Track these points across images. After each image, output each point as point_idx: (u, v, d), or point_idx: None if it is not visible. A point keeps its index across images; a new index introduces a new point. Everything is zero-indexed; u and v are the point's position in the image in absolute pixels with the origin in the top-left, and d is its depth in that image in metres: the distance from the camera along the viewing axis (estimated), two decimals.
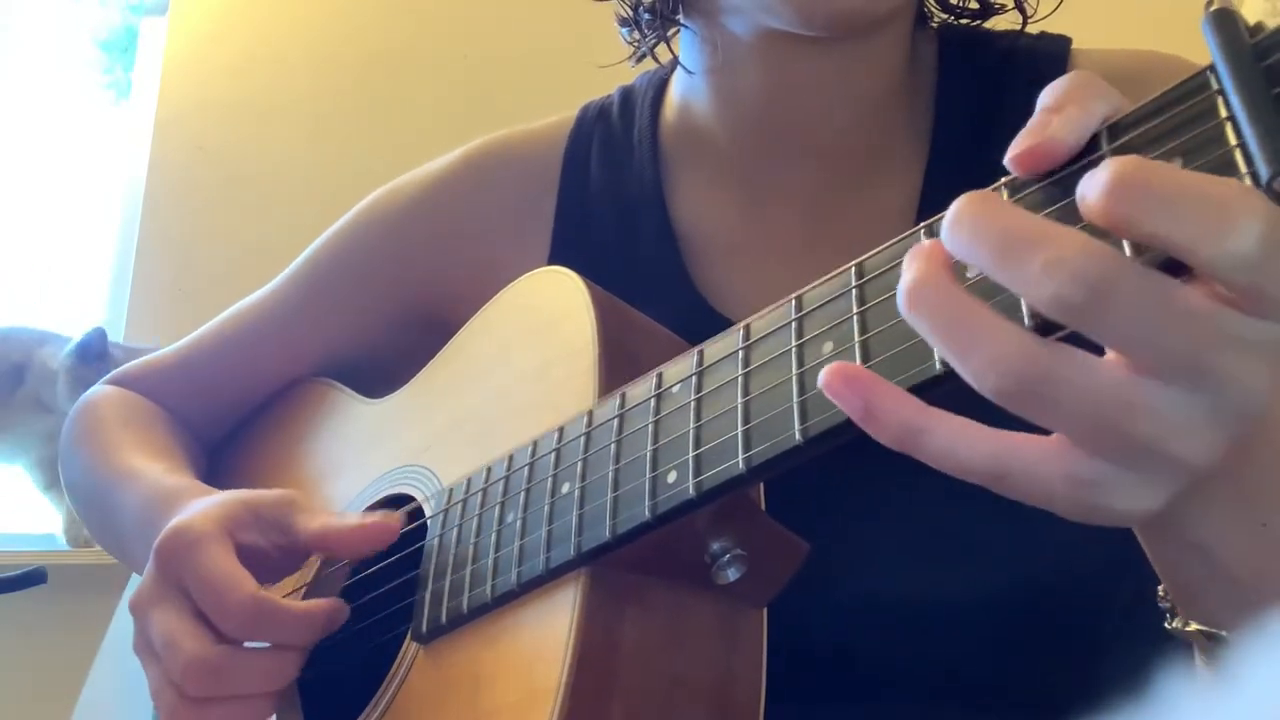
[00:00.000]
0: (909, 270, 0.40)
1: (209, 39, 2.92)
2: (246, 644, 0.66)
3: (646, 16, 0.81)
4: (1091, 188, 0.36)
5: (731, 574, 0.56)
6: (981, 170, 0.42)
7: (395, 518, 0.68)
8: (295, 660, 0.66)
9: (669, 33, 0.81)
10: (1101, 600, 0.69)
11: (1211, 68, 0.35)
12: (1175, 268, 0.36)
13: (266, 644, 0.66)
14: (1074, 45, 0.77)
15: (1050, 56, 0.76)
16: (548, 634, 0.56)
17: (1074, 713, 0.58)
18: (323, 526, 0.68)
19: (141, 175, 2.80)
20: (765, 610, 0.60)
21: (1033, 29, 0.79)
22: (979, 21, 0.81)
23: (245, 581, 0.64)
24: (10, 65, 3.01)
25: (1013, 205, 0.39)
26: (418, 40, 2.88)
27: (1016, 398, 0.38)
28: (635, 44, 0.85)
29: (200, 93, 2.87)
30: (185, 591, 0.66)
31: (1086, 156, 0.39)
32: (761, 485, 0.60)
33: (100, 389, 1.00)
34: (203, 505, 0.70)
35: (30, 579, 1.32)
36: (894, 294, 0.44)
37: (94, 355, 2.13)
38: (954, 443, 0.40)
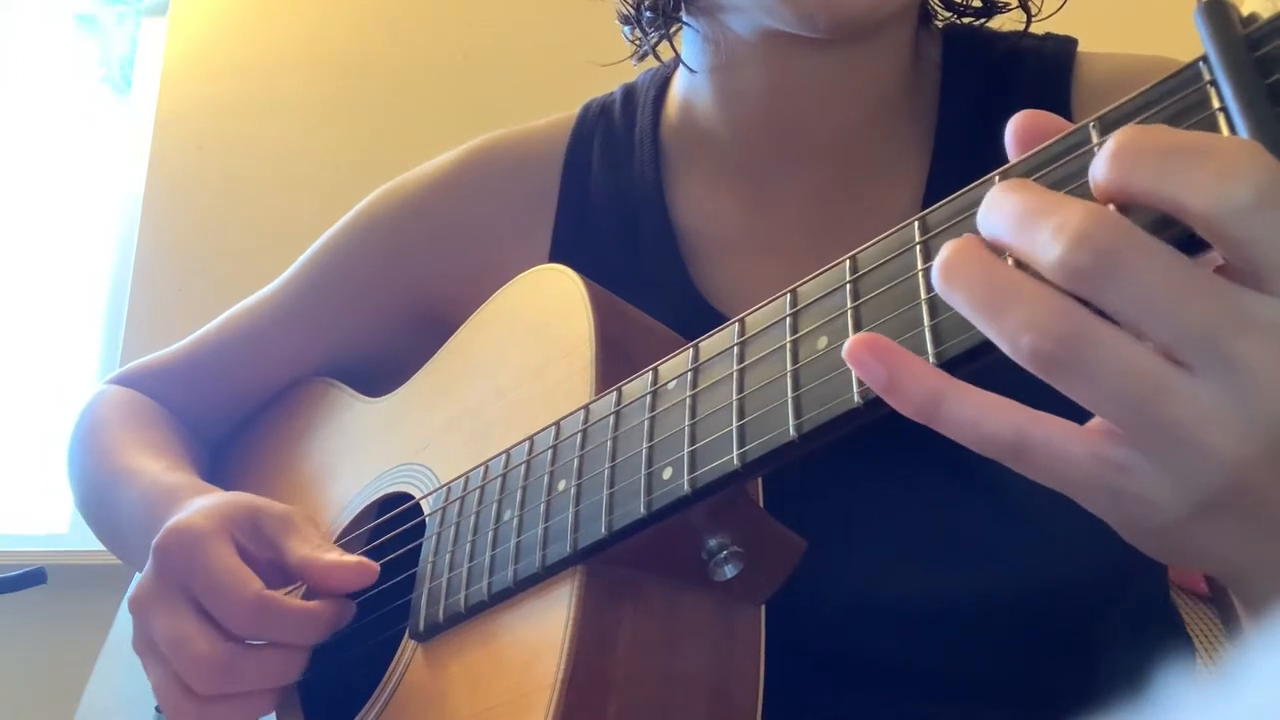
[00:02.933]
0: (943, 250, 0.40)
1: (209, 39, 2.92)
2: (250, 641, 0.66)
3: (648, 14, 0.81)
4: (1097, 161, 0.36)
5: (729, 570, 0.56)
6: (986, 171, 0.42)
7: (371, 565, 0.68)
8: (300, 657, 0.67)
9: (670, 30, 0.81)
10: (1102, 601, 0.69)
11: (1204, 58, 0.35)
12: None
13: (268, 640, 0.66)
14: (1080, 48, 0.77)
15: (1056, 58, 0.75)
16: (544, 631, 0.56)
17: (1074, 713, 0.57)
18: (304, 556, 0.68)
19: (141, 175, 2.80)
20: (763, 607, 0.59)
21: (1039, 28, 0.79)
22: (983, 21, 0.81)
23: (251, 580, 0.65)
24: (9, 66, 3.01)
25: (1033, 184, 0.39)
26: (417, 40, 2.88)
27: (1054, 362, 0.37)
28: (636, 42, 0.84)
29: (200, 93, 2.87)
30: (187, 590, 0.66)
31: (1076, 151, 0.39)
32: (759, 481, 0.60)
33: (104, 388, 1.00)
34: (204, 503, 0.70)
35: (30, 579, 1.32)
36: (888, 287, 0.44)
37: None
38: (979, 413, 0.40)
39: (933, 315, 0.42)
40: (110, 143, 2.97)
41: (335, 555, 0.68)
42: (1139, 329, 0.37)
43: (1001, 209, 0.39)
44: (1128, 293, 0.36)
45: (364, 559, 0.68)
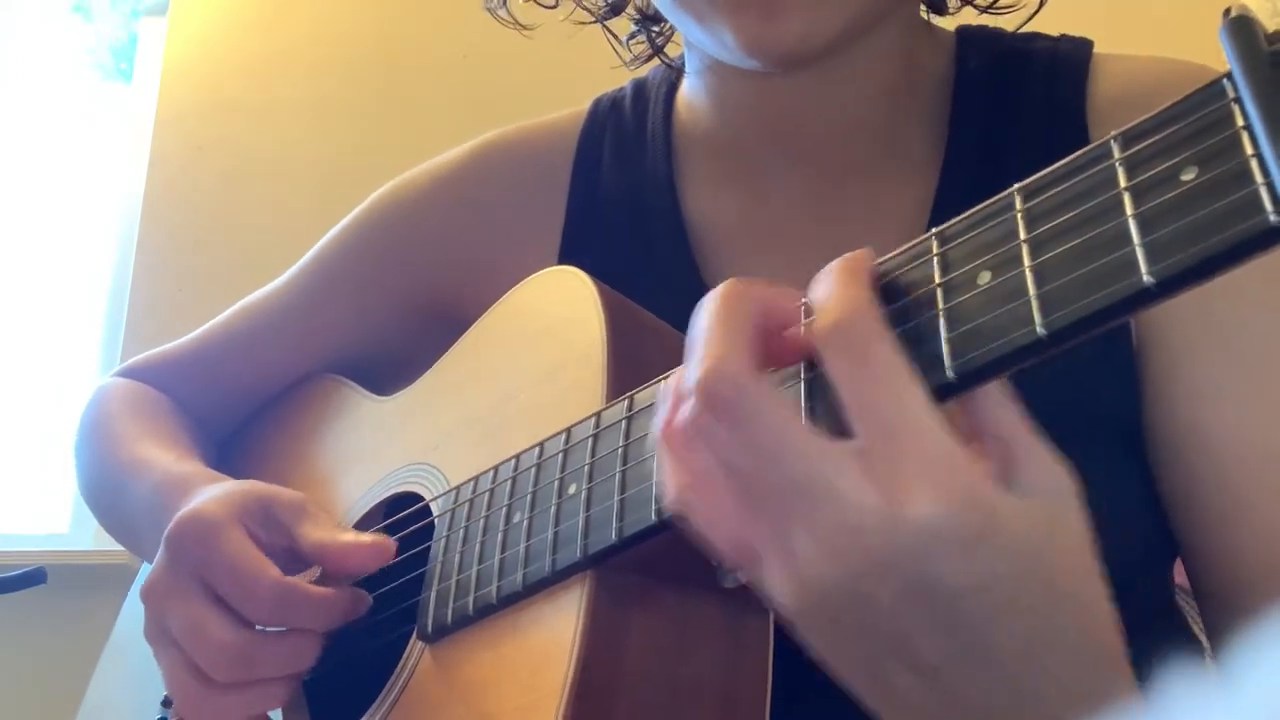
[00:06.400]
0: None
1: (209, 39, 2.93)
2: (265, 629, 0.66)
3: (636, 28, 0.82)
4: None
5: (739, 577, 0.56)
6: (996, 172, 0.42)
7: (389, 543, 0.68)
8: (314, 644, 0.67)
9: (661, 45, 0.81)
10: None
11: (1229, 75, 0.35)
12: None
13: (283, 629, 0.66)
14: (1096, 50, 0.76)
15: (1070, 60, 0.75)
16: (553, 636, 0.56)
17: None
18: (320, 540, 0.68)
19: (141, 175, 2.80)
20: (772, 615, 0.59)
21: (1054, 28, 0.79)
22: (996, 14, 0.80)
23: (269, 567, 0.65)
24: (10, 65, 3.01)
25: (727, 311, 0.46)
26: (417, 40, 2.89)
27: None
28: (621, 43, 0.85)
29: (200, 93, 2.88)
30: (202, 579, 0.66)
31: (1097, 165, 0.39)
32: None
33: (111, 381, 1.00)
34: (214, 492, 0.70)
35: (30, 579, 1.32)
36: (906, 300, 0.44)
37: None
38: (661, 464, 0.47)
39: (950, 329, 0.42)
40: (110, 142, 2.96)
41: (351, 536, 0.68)
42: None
43: (690, 328, 0.47)
44: (732, 435, 0.43)
45: (381, 536, 0.68)
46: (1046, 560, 0.41)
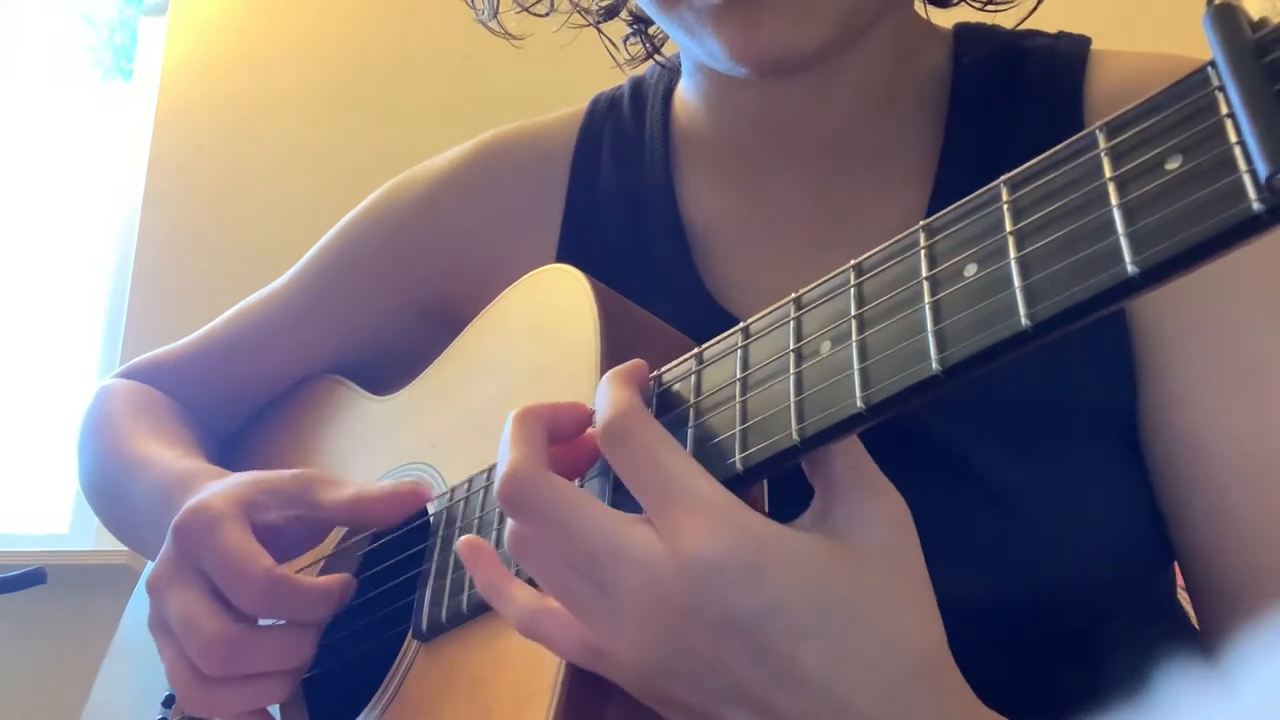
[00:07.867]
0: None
1: (209, 38, 2.93)
2: (262, 623, 0.66)
3: (632, 30, 0.82)
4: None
5: None
6: (994, 169, 0.42)
7: (425, 486, 0.69)
8: (309, 640, 0.67)
9: (660, 43, 0.81)
10: (1107, 606, 0.68)
11: (1212, 63, 0.35)
12: None
13: (281, 622, 0.66)
14: (1093, 46, 0.75)
15: (1068, 57, 0.75)
16: None
17: (1074, 713, 0.57)
18: (353, 495, 0.69)
19: (141, 175, 2.80)
20: None
21: (1053, 25, 0.78)
22: (995, 11, 0.80)
23: (261, 557, 0.65)
24: (9, 65, 3.02)
25: (515, 429, 0.52)
26: (417, 40, 2.89)
27: (516, 559, 0.51)
28: (617, 46, 0.86)
29: (200, 92, 2.88)
30: (202, 571, 0.66)
31: (1083, 155, 0.39)
32: (765, 486, 0.60)
33: (113, 381, 1.00)
34: (219, 486, 0.71)
35: (30, 579, 1.32)
36: (893, 294, 0.44)
37: None
38: (507, 594, 0.52)
39: (936, 320, 0.42)
40: (110, 142, 2.97)
41: (386, 485, 0.70)
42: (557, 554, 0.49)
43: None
44: (535, 528, 0.49)
45: (416, 484, 0.70)
46: (831, 587, 0.46)
